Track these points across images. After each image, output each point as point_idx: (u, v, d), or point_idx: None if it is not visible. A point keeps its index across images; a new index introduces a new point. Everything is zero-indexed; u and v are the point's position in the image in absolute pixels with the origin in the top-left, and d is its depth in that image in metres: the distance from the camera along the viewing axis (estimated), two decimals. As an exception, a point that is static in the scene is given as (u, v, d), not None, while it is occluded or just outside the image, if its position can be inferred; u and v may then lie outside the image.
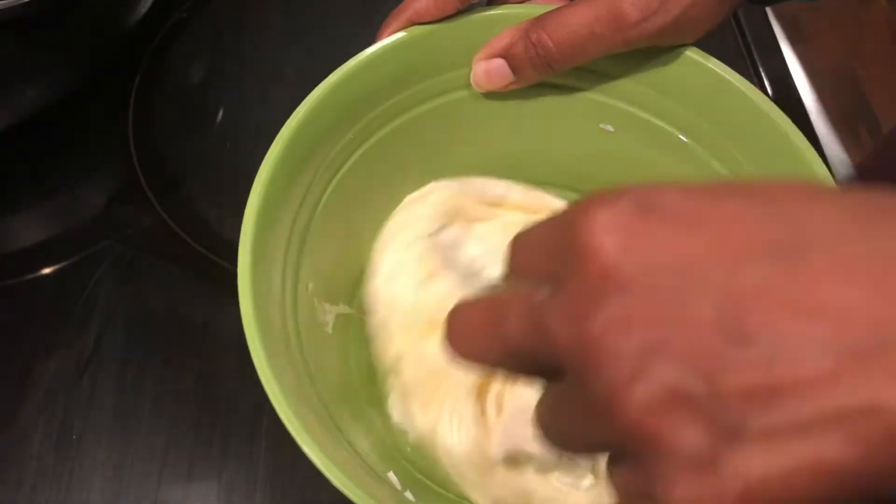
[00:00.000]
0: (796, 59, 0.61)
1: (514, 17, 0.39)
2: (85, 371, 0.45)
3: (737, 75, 0.39)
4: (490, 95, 0.42)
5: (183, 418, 0.44)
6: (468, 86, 0.41)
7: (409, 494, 0.36)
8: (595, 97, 0.42)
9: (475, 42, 0.40)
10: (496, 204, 0.43)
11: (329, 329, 0.40)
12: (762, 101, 0.38)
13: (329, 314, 0.40)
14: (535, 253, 0.24)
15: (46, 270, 0.50)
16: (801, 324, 0.18)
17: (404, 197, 0.44)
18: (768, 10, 0.63)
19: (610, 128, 0.43)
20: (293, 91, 0.57)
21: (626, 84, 0.41)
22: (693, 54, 0.39)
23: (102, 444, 0.43)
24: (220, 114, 0.57)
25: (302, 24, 0.61)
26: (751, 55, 0.60)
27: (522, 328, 0.22)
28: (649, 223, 0.21)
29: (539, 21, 0.38)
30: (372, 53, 0.39)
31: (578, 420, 0.21)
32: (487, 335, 0.24)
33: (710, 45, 0.39)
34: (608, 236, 0.20)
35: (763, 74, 0.59)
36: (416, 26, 0.39)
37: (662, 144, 0.42)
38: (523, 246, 0.25)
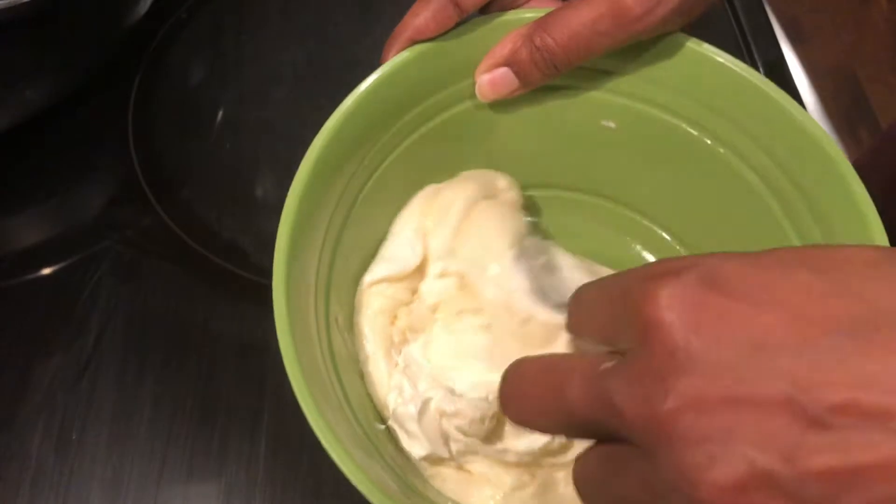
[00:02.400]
0: (796, 58, 0.61)
1: (513, 22, 0.39)
2: (85, 371, 0.45)
3: (738, 62, 0.39)
4: (492, 102, 0.42)
5: (183, 418, 0.44)
6: (472, 96, 0.41)
7: None
8: (595, 95, 0.42)
9: (477, 52, 0.40)
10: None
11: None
12: (769, 87, 0.38)
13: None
14: (596, 316, 0.24)
15: (46, 270, 0.50)
16: (873, 404, 0.18)
17: None
18: (768, 9, 0.63)
19: (612, 124, 0.43)
20: (293, 91, 0.57)
21: (627, 79, 0.41)
22: (696, 46, 0.39)
23: (102, 444, 0.43)
24: (220, 114, 0.57)
25: (302, 24, 0.61)
26: (751, 55, 0.60)
27: (587, 399, 0.22)
28: (716, 299, 0.20)
29: (541, 24, 0.38)
30: (379, 77, 0.39)
31: (635, 490, 0.22)
32: (549, 403, 0.24)
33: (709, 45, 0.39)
34: (674, 313, 0.20)
35: (763, 74, 0.59)
36: (419, 44, 0.39)
37: (666, 137, 0.42)
38: (583, 306, 0.25)
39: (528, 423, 0.25)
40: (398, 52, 0.39)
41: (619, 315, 0.22)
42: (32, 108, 0.51)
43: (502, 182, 0.44)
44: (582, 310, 0.25)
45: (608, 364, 0.22)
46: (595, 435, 0.23)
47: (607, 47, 0.38)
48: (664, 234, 0.46)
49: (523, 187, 0.47)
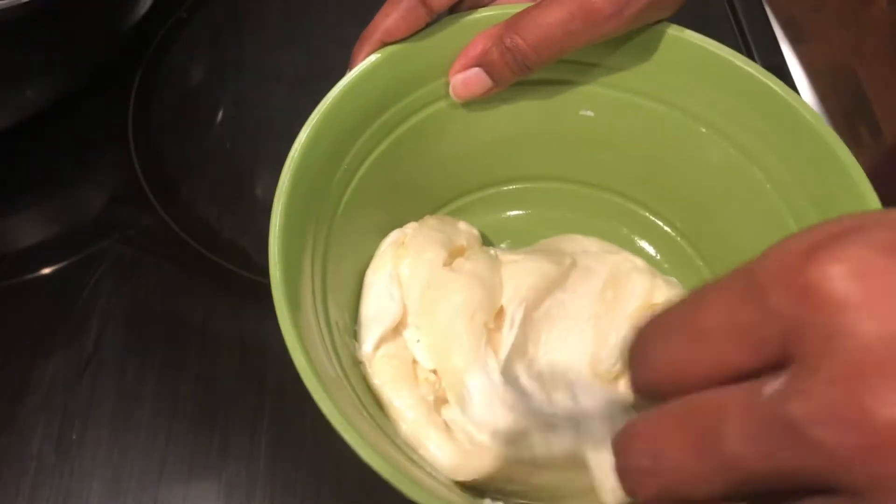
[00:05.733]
0: (796, 58, 0.61)
1: (484, 21, 0.39)
2: (85, 371, 0.45)
3: (718, 44, 0.39)
4: (468, 101, 0.42)
5: (183, 418, 0.44)
6: (446, 96, 0.41)
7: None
8: (571, 85, 0.42)
9: (449, 52, 0.40)
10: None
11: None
12: (746, 64, 0.39)
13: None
14: (729, 337, 0.18)
15: (46, 270, 0.50)
16: None
17: (405, 222, 0.43)
18: (768, 9, 0.63)
19: (590, 113, 0.43)
20: (293, 91, 0.57)
21: (602, 68, 0.41)
22: (669, 29, 0.39)
23: (102, 444, 0.43)
24: (220, 114, 0.57)
25: (302, 23, 0.61)
26: (750, 55, 0.60)
27: (759, 442, 0.16)
28: None
29: (511, 25, 0.38)
30: (350, 81, 0.38)
31: None
32: (698, 461, 0.17)
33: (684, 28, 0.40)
34: (861, 289, 0.15)
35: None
36: (389, 46, 0.39)
37: (646, 123, 0.42)
38: (696, 335, 0.18)
39: (672, 493, 0.18)
40: (368, 54, 0.39)
41: (776, 317, 0.17)
42: (32, 108, 0.51)
43: (462, 224, 0.44)
44: (700, 340, 0.18)
45: (774, 385, 0.16)
46: (766, 489, 0.17)
47: (578, 45, 0.38)
48: (657, 221, 0.46)
49: (509, 181, 0.47)
